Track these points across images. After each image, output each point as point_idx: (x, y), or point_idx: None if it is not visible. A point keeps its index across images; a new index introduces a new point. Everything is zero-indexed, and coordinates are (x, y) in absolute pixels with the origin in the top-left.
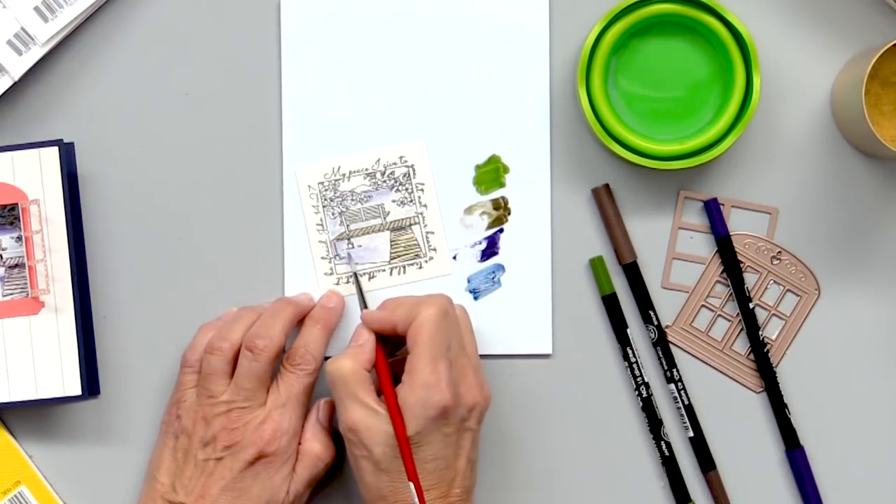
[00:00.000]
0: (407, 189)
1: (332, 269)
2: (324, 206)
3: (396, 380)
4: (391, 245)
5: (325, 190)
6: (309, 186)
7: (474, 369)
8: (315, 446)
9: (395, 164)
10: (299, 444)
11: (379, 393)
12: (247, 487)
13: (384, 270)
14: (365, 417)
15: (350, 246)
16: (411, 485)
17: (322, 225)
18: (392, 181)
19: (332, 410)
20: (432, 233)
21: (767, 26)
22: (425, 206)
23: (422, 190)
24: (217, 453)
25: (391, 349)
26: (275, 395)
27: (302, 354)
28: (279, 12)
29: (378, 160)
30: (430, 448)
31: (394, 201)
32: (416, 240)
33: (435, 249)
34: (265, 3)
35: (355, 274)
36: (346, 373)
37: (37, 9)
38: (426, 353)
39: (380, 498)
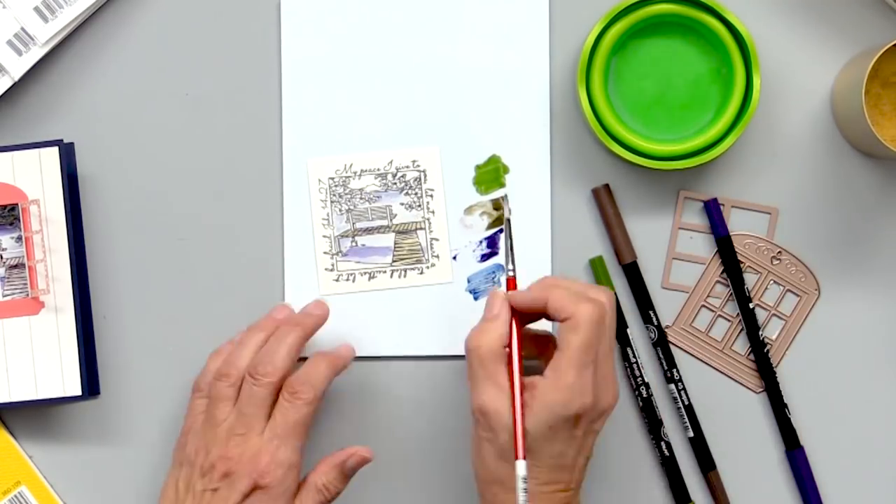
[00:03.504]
0: (416, 193)
1: (332, 265)
2: (332, 202)
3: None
4: (395, 247)
5: (336, 186)
6: (319, 180)
7: (612, 371)
8: (320, 479)
9: (407, 167)
10: (306, 474)
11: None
12: None
13: (385, 272)
14: (496, 400)
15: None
16: (518, 464)
17: (328, 220)
18: (402, 184)
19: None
20: (437, 239)
21: (767, 26)
22: (433, 212)
23: (431, 196)
24: (213, 483)
25: (521, 321)
26: (272, 424)
27: (301, 384)
28: (279, 12)
29: (391, 161)
30: (557, 445)
31: (402, 204)
32: (419, 245)
33: (437, 256)
34: (265, 3)
35: (508, 220)
36: (484, 353)
37: (37, 9)
38: (577, 358)
39: (497, 481)
